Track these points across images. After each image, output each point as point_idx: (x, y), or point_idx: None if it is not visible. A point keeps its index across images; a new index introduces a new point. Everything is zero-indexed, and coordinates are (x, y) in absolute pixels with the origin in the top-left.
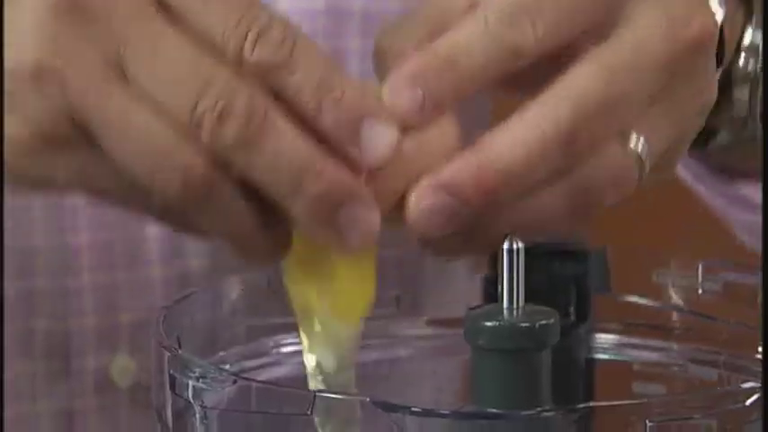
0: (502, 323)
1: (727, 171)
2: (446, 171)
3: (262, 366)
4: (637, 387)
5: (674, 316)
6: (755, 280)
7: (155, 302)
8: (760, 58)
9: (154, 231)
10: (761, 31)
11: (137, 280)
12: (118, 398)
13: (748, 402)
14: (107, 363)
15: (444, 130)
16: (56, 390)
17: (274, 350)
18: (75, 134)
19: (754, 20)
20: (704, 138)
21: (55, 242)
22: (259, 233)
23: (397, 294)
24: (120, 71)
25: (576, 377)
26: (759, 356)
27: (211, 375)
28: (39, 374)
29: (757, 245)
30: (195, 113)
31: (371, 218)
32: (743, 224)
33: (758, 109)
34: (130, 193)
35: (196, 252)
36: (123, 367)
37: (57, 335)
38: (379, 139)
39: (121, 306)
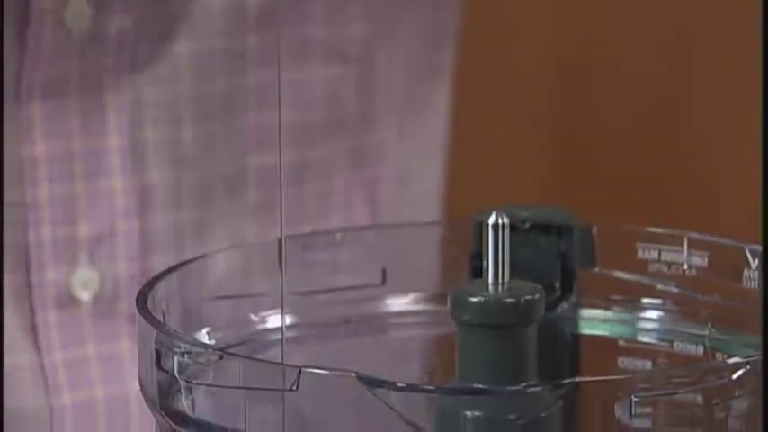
0: (487, 298)
1: None
2: None
3: (247, 341)
4: (623, 362)
5: (660, 291)
6: (742, 254)
7: (115, 215)
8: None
9: (115, 142)
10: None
11: (96, 191)
12: (80, 311)
13: (734, 377)
14: (68, 276)
15: None
16: (20, 304)
17: (260, 325)
18: None
19: None
20: None
21: (11, 154)
22: None
23: (383, 269)
24: None
25: (562, 352)
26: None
27: (196, 350)
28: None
29: None
30: None
31: None
32: None
33: None
34: None
35: (157, 164)
36: (85, 280)
37: (17, 248)
38: None
39: (81, 218)
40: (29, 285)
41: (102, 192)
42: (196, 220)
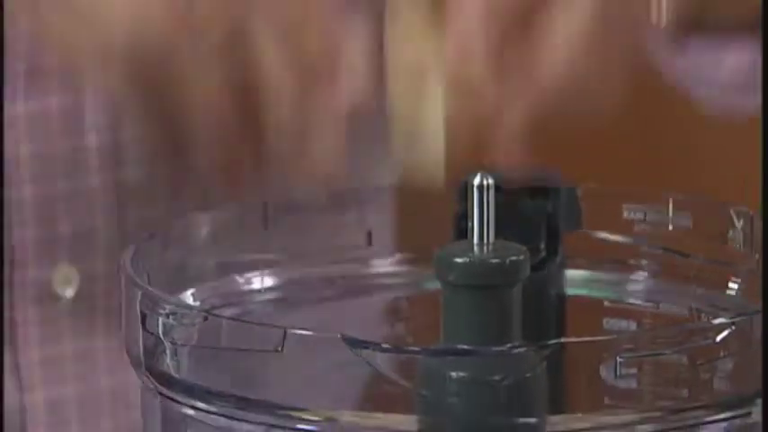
0: (472, 259)
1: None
2: None
3: (232, 303)
4: (607, 323)
5: (645, 252)
6: (726, 216)
7: (95, 212)
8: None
9: (93, 141)
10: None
11: (76, 190)
12: (59, 308)
13: (719, 338)
14: (48, 274)
15: None
16: None
17: (245, 286)
18: None
19: None
20: None
21: None
22: None
23: (369, 230)
24: None
25: (547, 313)
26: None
27: (181, 312)
28: None
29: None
30: None
31: None
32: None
33: None
34: None
35: (136, 161)
36: (65, 277)
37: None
38: None
39: (61, 217)
40: (11, 284)
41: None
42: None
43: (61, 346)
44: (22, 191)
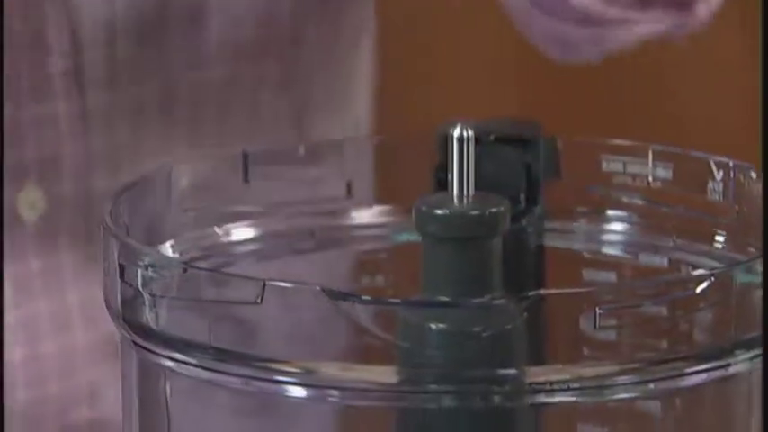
0: (452, 211)
1: None
2: None
3: (211, 255)
4: (587, 274)
5: (625, 203)
6: (706, 166)
7: (61, 136)
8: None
9: (59, 67)
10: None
11: (42, 114)
12: (25, 231)
13: (698, 290)
14: (14, 197)
15: None
16: None
17: (224, 238)
18: None
19: None
20: None
21: None
22: None
23: (349, 181)
24: None
25: (527, 265)
26: (711, 244)
27: (160, 263)
28: None
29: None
30: None
31: None
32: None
33: None
34: None
35: (96, 87)
36: (31, 201)
37: None
38: None
39: (28, 141)
40: None
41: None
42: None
43: (28, 263)
44: None
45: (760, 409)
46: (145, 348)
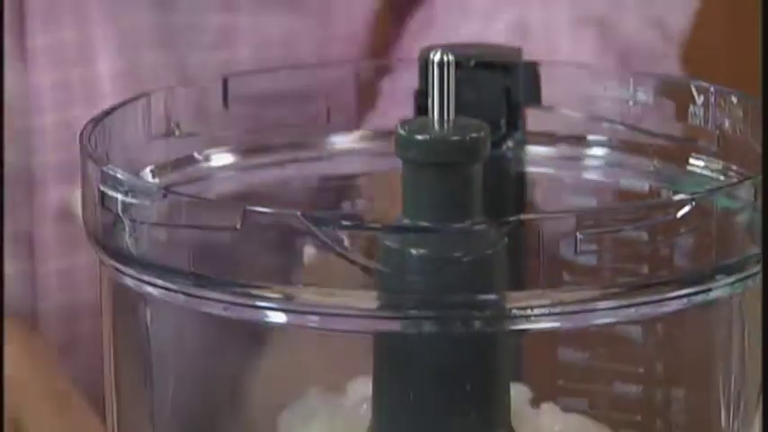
0: (432, 136)
1: None
2: None
3: (191, 181)
4: (568, 199)
5: (606, 128)
6: (687, 91)
7: None
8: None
9: (107, 68)
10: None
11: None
12: (76, 227)
13: (679, 214)
14: (67, 195)
15: None
16: (18, 217)
17: (204, 164)
18: None
19: None
20: None
21: (19, 84)
22: None
23: (328, 107)
24: None
25: (508, 190)
26: (692, 168)
27: (140, 190)
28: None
29: None
30: None
31: None
32: None
33: None
34: None
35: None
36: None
37: (21, 169)
38: None
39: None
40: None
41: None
42: None
43: None
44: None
45: (739, 338)
46: (124, 274)
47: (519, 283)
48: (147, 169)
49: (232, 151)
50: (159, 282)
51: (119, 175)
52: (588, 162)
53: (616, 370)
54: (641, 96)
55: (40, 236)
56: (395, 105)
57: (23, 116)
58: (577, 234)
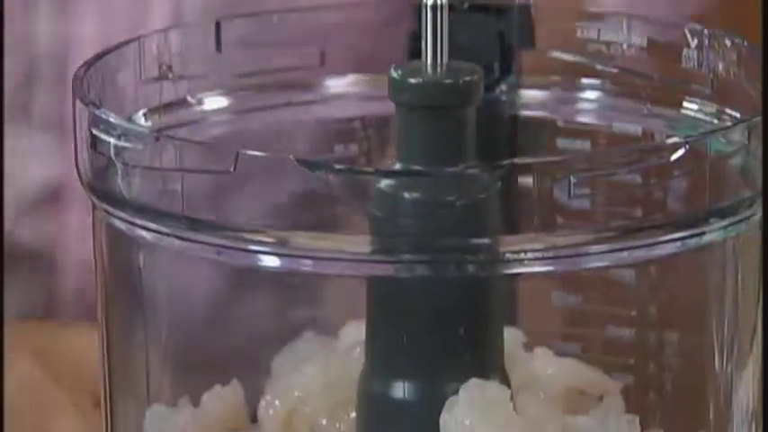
0: (426, 80)
1: None
2: None
3: (184, 124)
4: (561, 143)
5: (599, 71)
6: (681, 34)
7: None
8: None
9: (156, 20)
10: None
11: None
12: None
13: (673, 158)
14: None
15: None
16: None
17: (197, 107)
18: None
19: None
20: None
21: (59, 30)
22: None
23: (322, 50)
24: None
25: (501, 134)
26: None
27: (133, 133)
28: None
29: None
30: None
31: None
32: None
33: None
34: None
35: None
36: None
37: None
38: None
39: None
40: None
41: None
42: None
43: None
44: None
45: (733, 281)
46: (117, 218)
47: (512, 227)
48: (140, 113)
49: (225, 94)
50: (152, 225)
51: (111, 119)
52: (581, 105)
53: (609, 314)
54: (635, 39)
55: (66, 184)
56: None
57: (60, 64)
58: (571, 177)
